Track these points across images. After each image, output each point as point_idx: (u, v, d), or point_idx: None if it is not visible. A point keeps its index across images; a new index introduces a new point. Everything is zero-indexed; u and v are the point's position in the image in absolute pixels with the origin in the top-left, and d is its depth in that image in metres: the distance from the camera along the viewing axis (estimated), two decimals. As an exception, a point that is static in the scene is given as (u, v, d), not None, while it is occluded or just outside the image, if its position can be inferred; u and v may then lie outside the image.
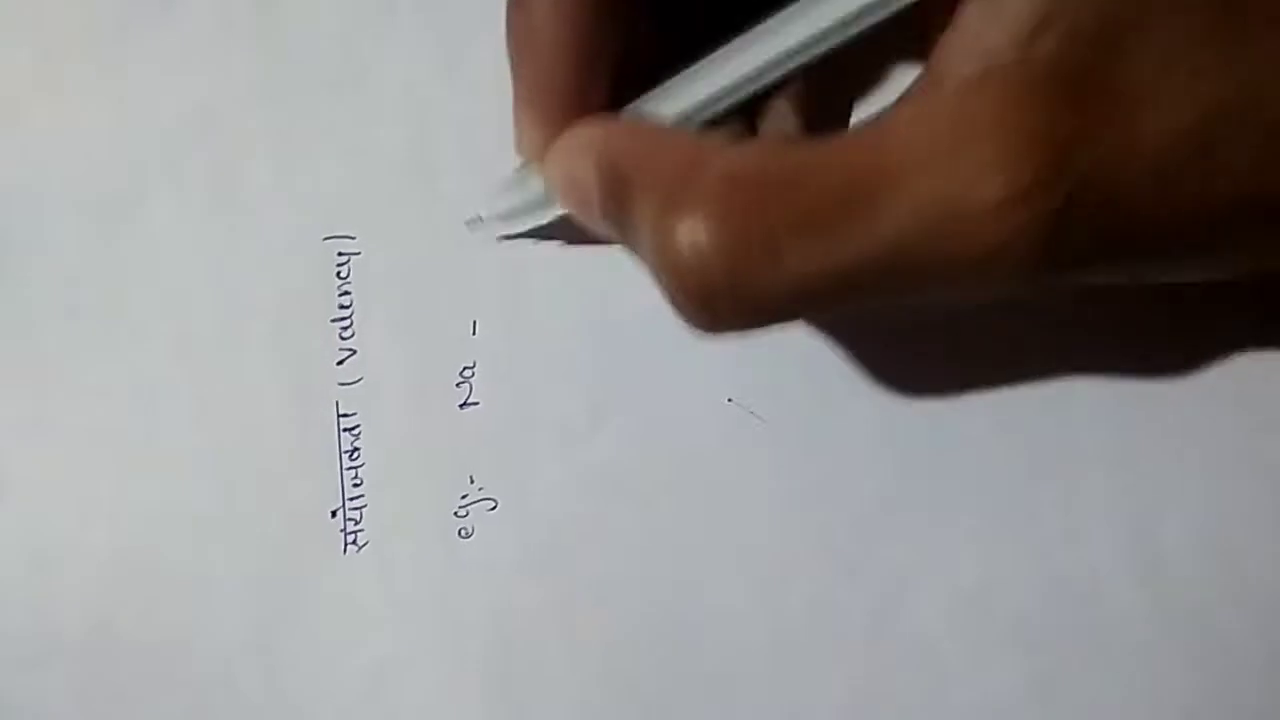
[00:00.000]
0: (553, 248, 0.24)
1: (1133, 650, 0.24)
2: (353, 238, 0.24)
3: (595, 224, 0.19)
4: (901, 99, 0.17)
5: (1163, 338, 0.25)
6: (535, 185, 0.21)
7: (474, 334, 0.24)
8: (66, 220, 0.24)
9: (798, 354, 0.25)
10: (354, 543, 0.24)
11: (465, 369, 0.24)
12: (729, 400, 0.25)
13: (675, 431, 0.24)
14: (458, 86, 0.24)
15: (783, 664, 0.24)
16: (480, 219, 0.22)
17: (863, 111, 0.23)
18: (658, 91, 0.19)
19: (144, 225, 0.24)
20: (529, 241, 0.24)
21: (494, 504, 0.24)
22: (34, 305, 0.24)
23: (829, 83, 0.20)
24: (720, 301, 0.17)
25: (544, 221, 0.22)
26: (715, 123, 0.19)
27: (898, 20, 0.17)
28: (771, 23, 0.18)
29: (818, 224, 0.16)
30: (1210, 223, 0.17)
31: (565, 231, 0.21)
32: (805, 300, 0.17)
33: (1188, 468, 0.25)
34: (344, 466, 0.24)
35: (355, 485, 0.24)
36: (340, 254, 0.24)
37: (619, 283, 0.24)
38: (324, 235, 0.24)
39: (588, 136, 0.19)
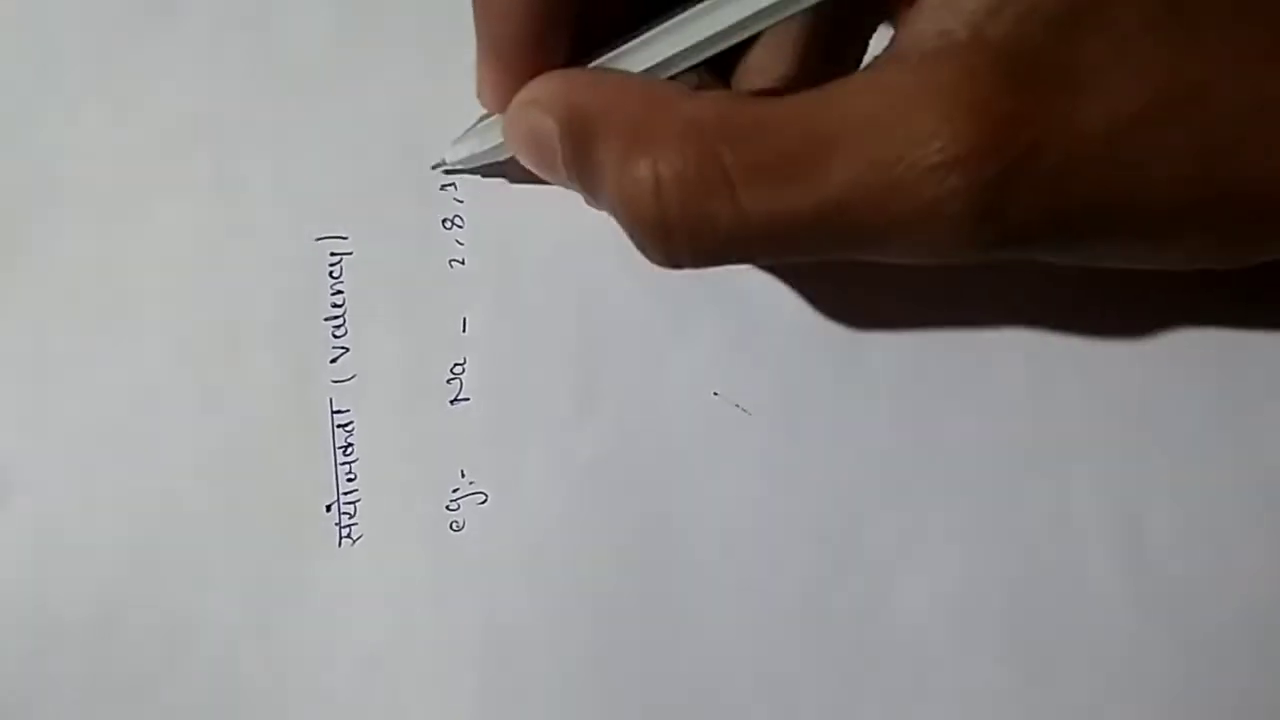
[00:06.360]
0: (539, 249, 0.25)
1: (1119, 641, 0.24)
2: (345, 238, 0.25)
3: (554, 173, 0.20)
4: (863, 68, 0.18)
5: (1149, 330, 0.25)
6: (495, 134, 0.22)
7: (464, 331, 0.25)
8: (66, 220, 0.25)
9: (783, 348, 0.25)
10: (349, 536, 0.24)
11: (456, 365, 0.25)
12: (715, 394, 0.25)
13: (663, 424, 0.25)
14: (448, 88, 0.25)
15: (770, 654, 0.25)
16: (445, 163, 0.24)
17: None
18: (622, 49, 0.20)
19: (141, 226, 0.25)
20: (517, 242, 0.25)
21: (484, 497, 0.25)
22: (35, 305, 0.24)
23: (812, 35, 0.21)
24: (674, 233, 0.18)
25: (500, 159, 0.23)
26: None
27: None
28: None
29: (771, 172, 0.17)
30: (1154, 207, 0.17)
31: (515, 171, 0.22)
32: (754, 243, 0.18)
33: (1174, 459, 0.25)
34: (338, 462, 0.24)
35: (349, 480, 0.24)
36: (333, 254, 0.25)
37: (606, 279, 0.25)
38: (317, 235, 0.25)
39: (550, 88, 0.20)
